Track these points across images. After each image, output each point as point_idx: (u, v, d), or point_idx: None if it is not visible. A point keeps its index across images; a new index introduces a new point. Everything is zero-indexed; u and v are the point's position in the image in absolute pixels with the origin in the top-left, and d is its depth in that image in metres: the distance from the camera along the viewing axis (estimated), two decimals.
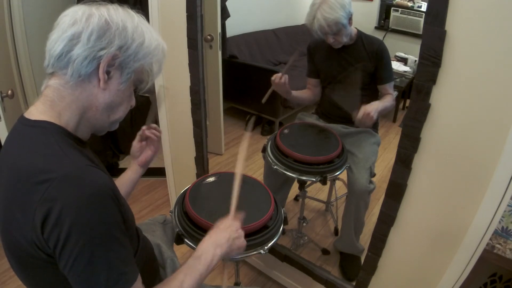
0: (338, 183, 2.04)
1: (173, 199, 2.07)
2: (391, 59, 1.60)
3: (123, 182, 1.03)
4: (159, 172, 2.14)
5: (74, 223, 0.56)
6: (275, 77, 1.50)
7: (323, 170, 1.40)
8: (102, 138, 2.46)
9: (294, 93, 1.63)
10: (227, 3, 2.25)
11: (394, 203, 1.12)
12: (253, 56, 2.86)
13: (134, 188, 1.06)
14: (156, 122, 1.77)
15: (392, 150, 2.17)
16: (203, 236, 1.04)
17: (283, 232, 1.26)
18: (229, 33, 2.55)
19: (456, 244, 1.03)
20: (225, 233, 0.84)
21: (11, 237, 0.63)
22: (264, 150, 1.55)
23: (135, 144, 1.06)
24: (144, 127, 1.06)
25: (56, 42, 0.64)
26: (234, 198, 0.93)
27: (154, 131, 1.06)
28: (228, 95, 2.40)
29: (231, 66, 2.66)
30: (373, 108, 1.38)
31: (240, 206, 0.92)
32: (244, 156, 1.00)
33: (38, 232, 0.58)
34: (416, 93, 0.95)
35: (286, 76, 1.51)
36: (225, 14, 2.27)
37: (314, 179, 1.40)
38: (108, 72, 0.67)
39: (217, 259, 0.80)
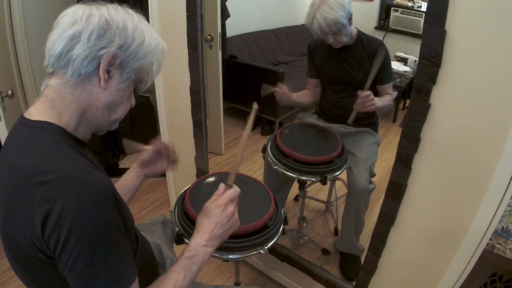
0: (338, 183, 2.04)
1: (173, 199, 2.07)
2: (391, 59, 1.60)
3: (126, 188, 1.00)
4: None
5: (73, 224, 0.56)
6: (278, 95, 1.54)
7: (323, 170, 1.40)
8: (102, 138, 2.46)
9: (294, 97, 1.63)
10: (227, 3, 2.25)
11: (394, 203, 1.12)
12: (253, 56, 2.86)
13: (135, 194, 1.04)
14: (156, 121, 1.77)
15: (392, 150, 2.17)
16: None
17: (283, 232, 1.26)
18: (229, 33, 2.55)
19: (456, 244, 1.03)
20: (216, 227, 0.79)
21: (11, 238, 0.63)
22: (264, 150, 1.55)
23: (150, 154, 1.02)
24: (171, 146, 1.02)
25: (56, 41, 0.64)
26: (237, 164, 0.85)
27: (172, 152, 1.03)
28: (228, 95, 2.40)
29: (231, 66, 2.66)
30: (375, 97, 1.39)
31: (240, 206, 0.91)
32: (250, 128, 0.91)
33: (38, 233, 0.58)
34: (416, 93, 0.95)
35: (286, 90, 1.54)
36: (225, 14, 2.26)
37: (314, 179, 1.40)
38: (108, 72, 0.67)
39: (210, 255, 0.79)
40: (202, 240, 0.78)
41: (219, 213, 0.80)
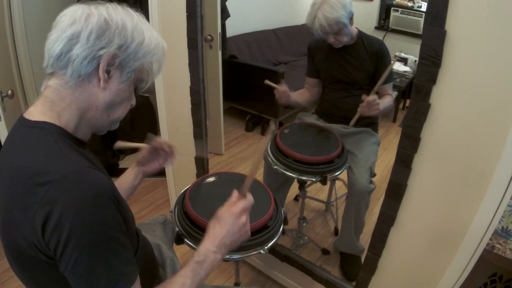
0: (338, 183, 2.04)
1: (173, 199, 2.07)
2: (391, 59, 1.60)
3: (124, 187, 1.02)
4: (159, 172, 2.13)
5: (74, 226, 0.56)
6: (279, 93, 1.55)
7: (323, 170, 1.40)
8: (102, 138, 2.46)
9: (293, 97, 1.63)
10: (227, 3, 2.25)
11: (394, 203, 1.12)
12: (253, 56, 2.86)
13: (133, 193, 1.05)
14: (156, 121, 1.77)
15: (392, 150, 2.16)
16: (203, 236, 1.04)
17: (283, 232, 1.26)
18: (229, 33, 2.55)
19: (456, 244, 1.03)
20: (227, 235, 0.78)
21: (11, 238, 0.63)
22: None
23: (146, 153, 1.04)
24: (168, 144, 1.05)
25: (55, 42, 0.64)
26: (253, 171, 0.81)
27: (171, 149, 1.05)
28: (228, 95, 2.40)
29: (231, 66, 2.66)
30: (380, 100, 1.39)
31: None
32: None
33: (38, 234, 0.58)
34: (416, 93, 0.95)
35: (286, 88, 1.54)
36: (225, 14, 2.26)
37: (314, 179, 1.40)
38: (108, 72, 0.67)
39: (218, 262, 0.78)
40: (212, 246, 0.77)
41: (231, 222, 0.78)
